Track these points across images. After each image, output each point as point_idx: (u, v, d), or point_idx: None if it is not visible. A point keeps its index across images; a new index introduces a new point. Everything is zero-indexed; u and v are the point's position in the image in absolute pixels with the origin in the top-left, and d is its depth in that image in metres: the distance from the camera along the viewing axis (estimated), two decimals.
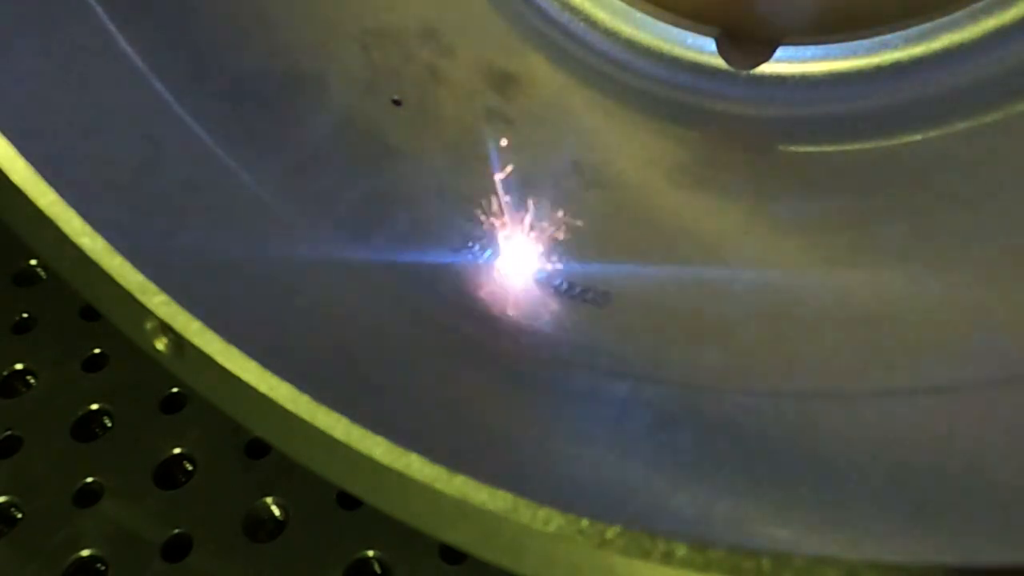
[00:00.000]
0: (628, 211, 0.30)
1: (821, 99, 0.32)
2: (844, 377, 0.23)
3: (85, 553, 0.29)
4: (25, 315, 0.38)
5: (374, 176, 0.30)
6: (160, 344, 0.21)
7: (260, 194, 0.27)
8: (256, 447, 0.32)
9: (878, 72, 0.31)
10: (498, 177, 0.30)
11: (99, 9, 0.27)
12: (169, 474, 0.32)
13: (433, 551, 0.29)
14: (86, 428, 0.34)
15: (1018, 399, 0.20)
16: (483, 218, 0.29)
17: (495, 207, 0.29)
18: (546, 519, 0.17)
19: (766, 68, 0.33)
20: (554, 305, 0.27)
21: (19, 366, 0.36)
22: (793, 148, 0.32)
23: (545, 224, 0.28)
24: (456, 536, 0.18)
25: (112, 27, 0.27)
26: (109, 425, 0.34)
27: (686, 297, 0.26)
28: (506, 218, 0.29)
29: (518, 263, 0.28)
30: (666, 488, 0.19)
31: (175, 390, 0.34)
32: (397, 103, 0.32)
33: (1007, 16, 0.29)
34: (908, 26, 0.31)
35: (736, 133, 0.33)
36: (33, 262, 0.39)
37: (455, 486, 0.18)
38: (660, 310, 0.26)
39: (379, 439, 0.18)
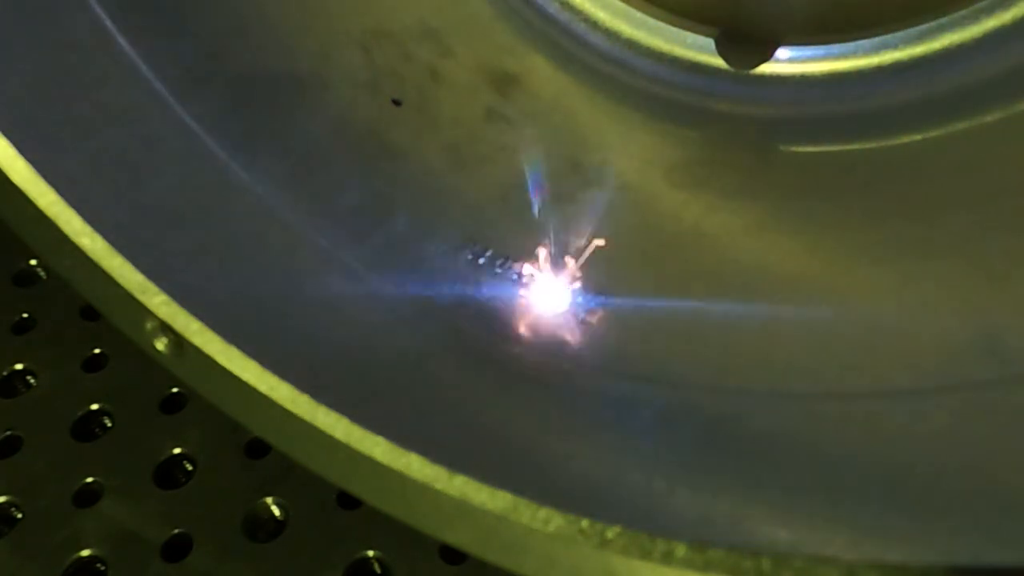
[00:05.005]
0: (628, 211, 0.30)
1: (821, 99, 0.32)
2: (844, 377, 0.23)
3: (85, 553, 0.29)
4: (25, 315, 0.38)
5: (374, 176, 0.30)
6: (160, 344, 0.21)
7: (260, 194, 0.27)
8: (256, 447, 0.32)
9: (878, 72, 0.31)
10: (498, 178, 0.30)
11: (99, 9, 0.27)
12: (169, 474, 0.32)
13: (433, 551, 0.29)
14: (86, 428, 0.34)
15: (1018, 399, 0.20)
16: (482, 218, 0.29)
17: (495, 208, 0.29)
18: (546, 519, 0.17)
19: (766, 68, 0.33)
20: (554, 306, 0.27)
21: (19, 366, 0.36)
22: (793, 148, 0.32)
23: (545, 225, 0.28)
24: (456, 536, 0.18)
25: (112, 27, 0.27)
26: (109, 425, 0.34)
27: (686, 297, 0.26)
28: (506, 218, 0.29)
29: (518, 264, 0.28)
30: (666, 488, 0.19)
31: (175, 390, 0.34)
32: (397, 103, 0.32)
33: (1007, 16, 0.29)
34: (908, 26, 0.31)
35: (736, 133, 0.33)
36: (33, 262, 0.40)
37: (455, 486, 0.18)
38: (660, 310, 0.26)
39: (379, 439, 0.18)
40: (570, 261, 0.27)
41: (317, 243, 0.27)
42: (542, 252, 0.28)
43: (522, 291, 0.27)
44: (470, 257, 0.28)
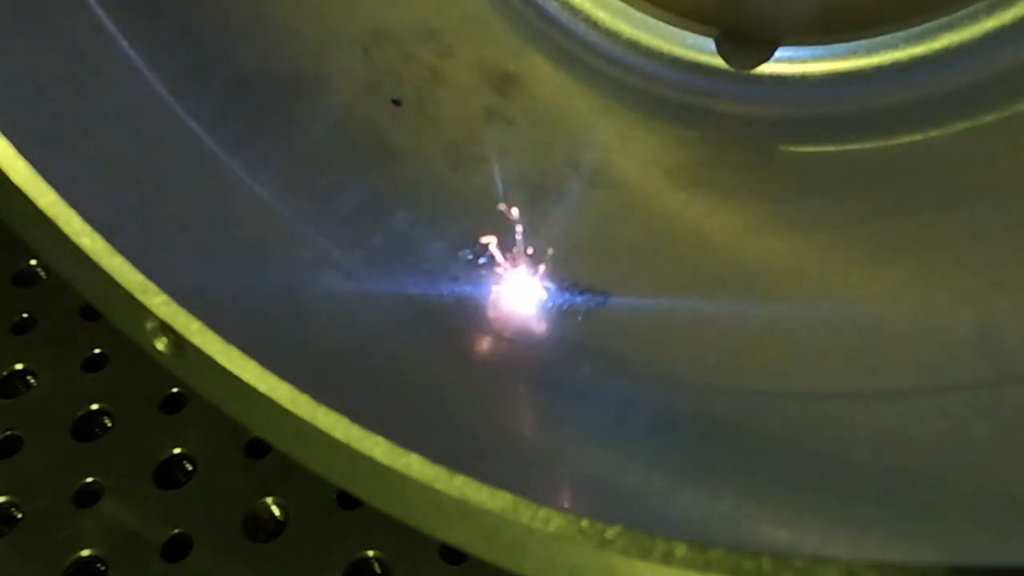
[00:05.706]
0: (628, 211, 0.30)
1: (821, 99, 0.32)
2: (844, 377, 0.23)
3: (85, 553, 0.29)
4: (25, 315, 0.38)
5: (374, 176, 0.30)
6: (160, 344, 0.21)
7: (260, 194, 0.27)
8: (256, 447, 0.32)
9: (878, 72, 0.31)
10: (498, 179, 0.30)
11: (99, 9, 0.27)
12: (169, 474, 0.32)
13: (433, 551, 0.29)
14: (86, 428, 0.34)
15: (1017, 399, 0.20)
16: (483, 218, 0.29)
17: (495, 207, 0.29)
18: (546, 519, 0.17)
19: (766, 68, 0.33)
20: (555, 306, 0.27)
21: (19, 366, 0.36)
22: (793, 148, 0.32)
23: (545, 224, 0.28)
24: (456, 536, 0.18)
25: (112, 27, 0.27)
26: (109, 425, 0.34)
27: (685, 297, 0.26)
28: (505, 218, 0.29)
29: (518, 264, 0.28)
30: (666, 488, 0.19)
31: (175, 390, 0.34)
32: (397, 103, 0.32)
33: (1007, 16, 0.29)
34: (908, 26, 0.31)
35: (736, 133, 0.33)
36: (33, 262, 0.40)
37: (455, 486, 0.18)
38: (660, 310, 0.26)
39: (379, 439, 0.18)
40: (571, 262, 0.27)
41: (317, 243, 0.27)
42: (542, 253, 0.28)
43: (522, 291, 0.27)
44: (470, 257, 0.28)
